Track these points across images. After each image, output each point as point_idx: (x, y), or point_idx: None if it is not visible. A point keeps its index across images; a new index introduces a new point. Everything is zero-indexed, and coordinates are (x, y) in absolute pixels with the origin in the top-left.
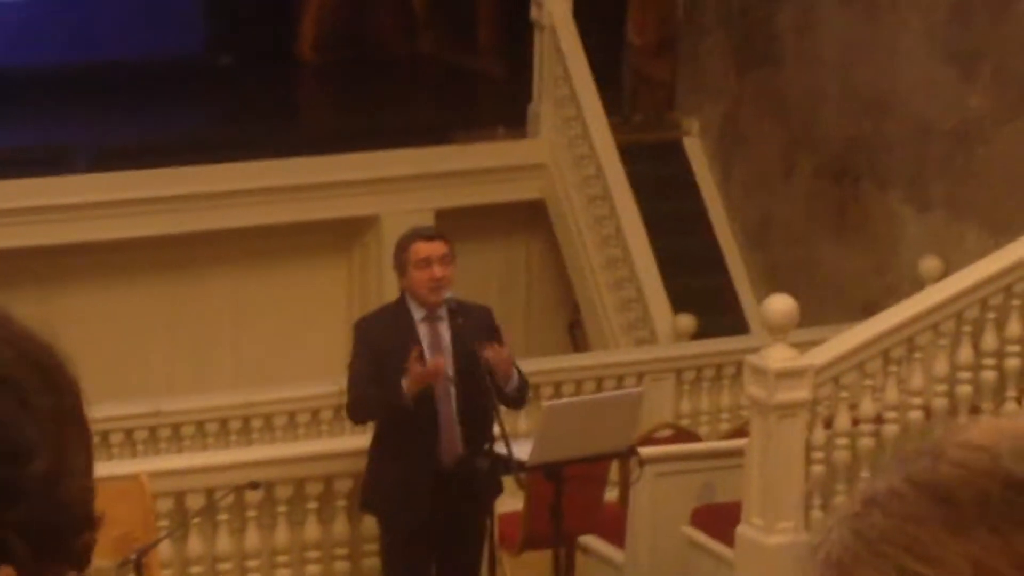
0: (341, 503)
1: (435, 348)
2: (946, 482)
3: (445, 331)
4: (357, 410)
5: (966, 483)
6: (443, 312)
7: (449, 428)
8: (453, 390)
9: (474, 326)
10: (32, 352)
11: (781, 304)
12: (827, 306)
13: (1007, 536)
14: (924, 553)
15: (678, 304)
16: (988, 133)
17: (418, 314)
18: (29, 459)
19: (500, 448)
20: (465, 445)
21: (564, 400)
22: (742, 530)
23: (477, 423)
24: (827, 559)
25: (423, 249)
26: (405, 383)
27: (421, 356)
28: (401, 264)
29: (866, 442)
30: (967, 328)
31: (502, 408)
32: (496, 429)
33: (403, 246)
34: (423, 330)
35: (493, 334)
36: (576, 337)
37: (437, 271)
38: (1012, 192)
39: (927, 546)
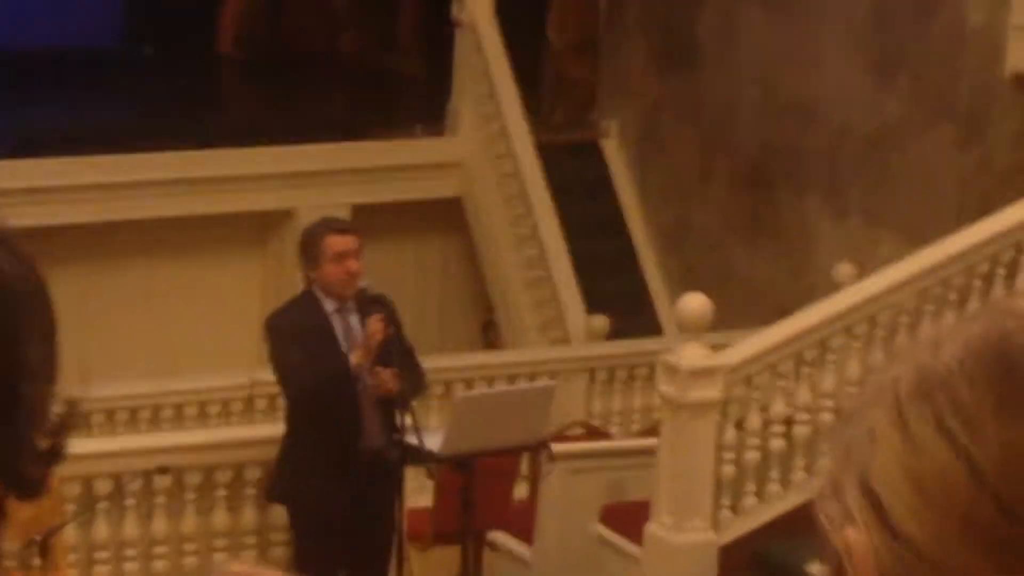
0: (250, 491)
1: (348, 339)
2: (1017, 354)
3: (356, 322)
4: (307, 398)
5: None
6: (351, 304)
7: (370, 418)
8: (369, 380)
9: (385, 316)
10: (35, 274)
11: (695, 303)
12: (742, 311)
13: None
14: (966, 417)
15: (593, 305)
16: (905, 141)
17: (329, 306)
18: (32, 379)
19: (411, 439)
20: (383, 435)
21: (476, 392)
22: (651, 528)
23: (392, 413)
24: (894, 376)
25: (338, 243)
26: (353, 356)
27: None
28: (313, 257)
29: (777, 443)
30: (880, 332)
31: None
32: (408, 420)
33: (314, 239)
34: (336, 322)
35: (395, 322)
36: (490, 336)
37: (353, 265)
38: (927, 199)
39: (971, 412)
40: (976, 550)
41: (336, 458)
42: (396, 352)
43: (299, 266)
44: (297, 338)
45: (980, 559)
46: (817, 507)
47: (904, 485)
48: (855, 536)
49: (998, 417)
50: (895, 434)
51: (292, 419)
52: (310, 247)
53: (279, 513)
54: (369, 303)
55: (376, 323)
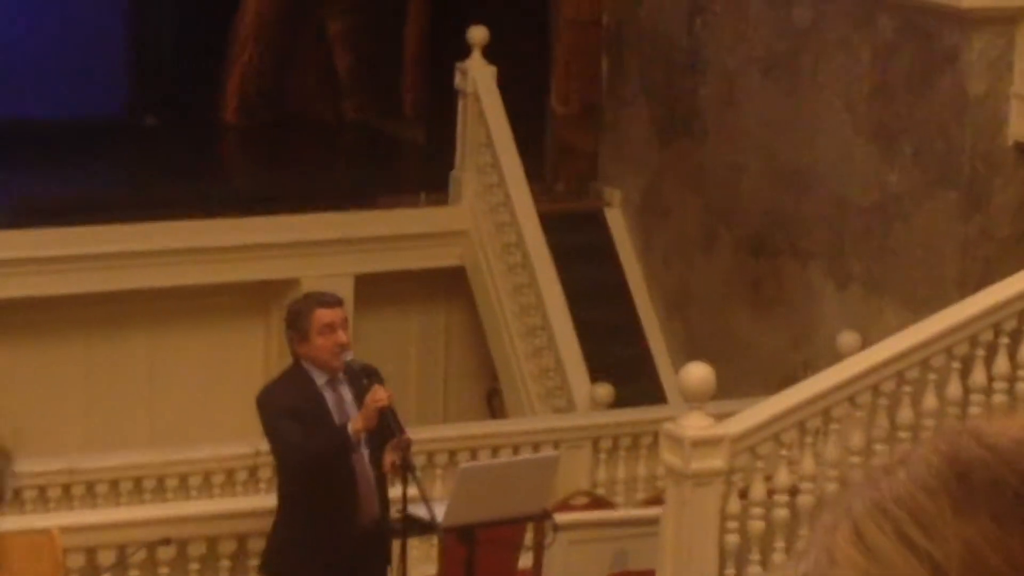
0: (254, 562)
1: (340, 411)
2: (969, 461)
3: (347, 393)
4: (308, 469)
5: (987, 467)
6: (341, 376)
7: (367, 489)
8: (366, 451)
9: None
10: None
11: (698, 371)
12: (745, 379)
13: (1007, 529)
14: (925, 523)
15: (596, 373)
16: (907, 210)
17: (320, 379)
18: None
19: (415, 509)
20: (379, 506)
21: (480, 462)
22: None
23: (385, 483)
24: (846, 507)
25: (326, 315)
26: (352, 423)
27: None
28: (302, 331)
29: (781, 513)
30: (883, 401)
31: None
32: (414, 490)
33: (302, 313)
34: (328, 395)
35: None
36: (494, 406)
37: (342, 336)
38: (929, 269)
39: (930, 517)
40: None
41: (331, 531)
42: (394, 423)
43: (286, 341)
44: (290, 412)
45: None
46: None
47: None
48: None
49: (955, 518)
50: (854, 552)
51: (286, 493)
52: (298, 321)
53: None
54: (359, 374)
55: (381, 390)
